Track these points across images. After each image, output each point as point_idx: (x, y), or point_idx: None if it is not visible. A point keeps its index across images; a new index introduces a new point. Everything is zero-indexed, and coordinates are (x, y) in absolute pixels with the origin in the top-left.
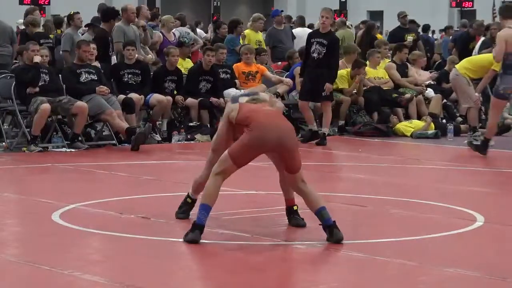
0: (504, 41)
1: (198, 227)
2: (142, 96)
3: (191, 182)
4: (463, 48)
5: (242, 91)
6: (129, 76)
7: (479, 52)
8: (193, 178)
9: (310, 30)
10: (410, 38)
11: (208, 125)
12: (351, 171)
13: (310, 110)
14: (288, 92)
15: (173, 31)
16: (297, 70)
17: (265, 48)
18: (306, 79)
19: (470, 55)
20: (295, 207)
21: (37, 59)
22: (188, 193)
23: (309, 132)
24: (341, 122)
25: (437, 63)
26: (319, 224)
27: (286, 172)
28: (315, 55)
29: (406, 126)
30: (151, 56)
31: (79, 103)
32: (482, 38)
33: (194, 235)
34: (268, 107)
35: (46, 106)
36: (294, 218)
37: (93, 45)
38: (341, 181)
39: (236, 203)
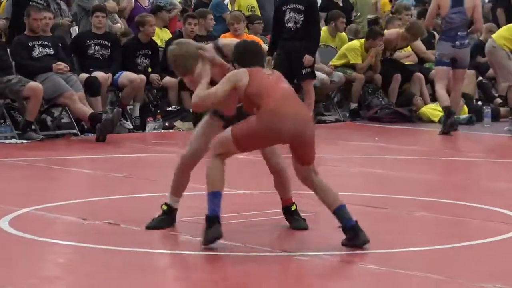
0: None
1: (214, 220)
2: (110, 75)
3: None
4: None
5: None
6: (96, 48)
7: None
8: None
9: None
10: None
11: (190, 110)
12: (366, 165)
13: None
14: None
15: None
16: None
17: (259, 14)
18: (281, 55)
19: None
20: (293, 207)
21: None
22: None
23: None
24: (354, 105)
25: None
26: (339, 227)
27: (297, 163)
28: (290, 25)
29: (433, 110)
30: (119, 25)
31: (32, 83)
32: None
33: (214, 231)
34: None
35: None
36: (295, 220)
37: (47, 14)
38: (353, 178)
39: (225, 205)
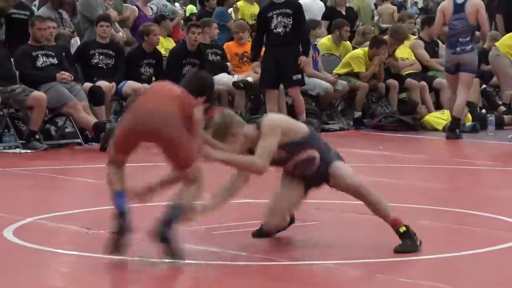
0: None
1: (122, 214)
2: (114, 84)
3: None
4: (509, 13)
5: (235, 76)
6: (100, 57)
7: None
8: None
9: (321, 2)
10: None
11: None
12: (370, 173)
13: (277, 100)
14: None
15: (149, 4)
16: None
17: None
18: (269, 61)
19: None
20: None
21: None
22: None
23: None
24: (358, 114)
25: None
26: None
27: (173, 167)
28: (279, 30)
29: (437, 118)
30: (121, 35)
31: (36, 93)
32: None
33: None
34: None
35: None
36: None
37: (51, 23)
38: None
39: (227, 214)
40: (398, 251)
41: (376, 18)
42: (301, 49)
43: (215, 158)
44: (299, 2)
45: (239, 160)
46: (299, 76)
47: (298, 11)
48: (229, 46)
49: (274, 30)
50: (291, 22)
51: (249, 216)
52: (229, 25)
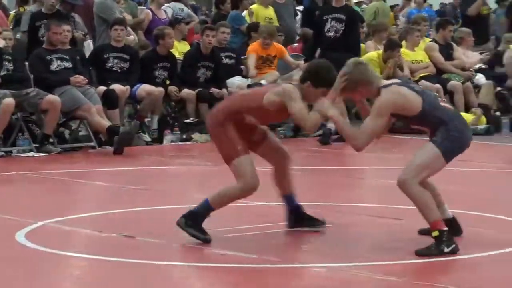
0: None
1: None
2: (128, 87)
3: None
4: None
5: (249, 80)
6: (115, 61)
7: None
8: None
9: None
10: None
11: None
12: (383, 177)
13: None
14: None
15: (164, 7)
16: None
17: (277, 25)
18: None
19: None
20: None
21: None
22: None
23: (328, 130)
24: None
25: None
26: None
27: None
28: (330, 34)
29: None
30: (132, 38)
31: (50, 96)
32: None
33: None
34: None
35: (9, 100)
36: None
37: (66, 26)
38: (370, 189)
39: (241, 217)
40: (418, 253)
41: (403, 19)
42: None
43: (330, 113)
44: (355, 10)
45: (346, 128)
46: None
47: (352, 19)
48: (254, 48)
49: (326, 34)
50: (343, 28)
51: (264, 220)
52: (243, 28)
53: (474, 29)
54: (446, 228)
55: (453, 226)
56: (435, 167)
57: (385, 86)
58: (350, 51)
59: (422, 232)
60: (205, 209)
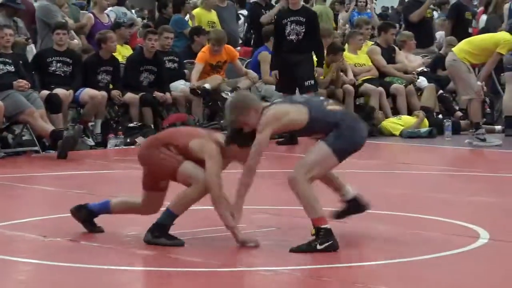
0: None
1: None
2: (71, 92)
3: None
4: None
5: (188, 84)
6: (58, 65)
7: (484, 31)
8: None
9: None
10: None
11: (152, 126)
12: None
13: None
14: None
15: (106, 11)
16: (263, 55)
17: (220, 29)
18: (283, 67)
19: (467, 29)
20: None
21: None
22: None
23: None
24: None
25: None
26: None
27: None
28: (292, 37)
29: (394, 123)
30: (76, 42)
31: None
32: (483, 16)
33: None
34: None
35: None
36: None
37: (8, 30)
38: (319, 192)
39: (186, 221)
40: (291, 250)
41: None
42: (315, 59)
43: (240, 204)
44: (313, 11)
45: (244, 181)
46: (312, 82)
47: (312, 20)
48: (203, 56)
49: (288, 37)
50: (303, 30)
51: (208, 223)
52: (186, 32)
53: (418, 31)
54: (325, 226)
55: (357, 204)
56: (327, 166)
57: (267, 107)
58: (315, 50)
59: (336, 216)
60: (169, 218)
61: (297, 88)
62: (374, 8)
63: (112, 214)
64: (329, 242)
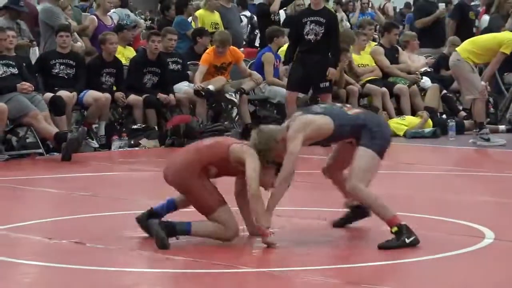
0: None
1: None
2: (75, 94)
3: None
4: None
5: (195, 85)
6: (61, 67)
7: (487, 31)
8: None
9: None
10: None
11: (156, 128)
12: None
13: (295, 104)
14: None
15: (110, 13)
16: (267, 56)
17: (224, 30)
18: (298, 66)
19: (471, 29)
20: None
21: None
22: None
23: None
24: None
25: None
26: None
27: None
28: (310, 37)
29: (398, 124)
30: (80, 44)
31: None
32: (485, 16)
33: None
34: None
35: None
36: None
37: (11, 32)
38: (316, 193)
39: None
40: (380, 246)
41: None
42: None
43: (271, 210)
44: (334, 13)
45: (280, 193)
46: (327, 83)
47: (332, 21)
48: (208, 58)
49: (306, 37)
50: (322, 31)
51: None
52: (189, 33)
53: (429, 32)
54: (404, 223)
55: (360, 211)
56: (374, 167)
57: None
58: (331, 51)
59: (336, 224)
60: (183, 230)
61: (310, 89)
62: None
63: (179, 209)
64: (413, 237)
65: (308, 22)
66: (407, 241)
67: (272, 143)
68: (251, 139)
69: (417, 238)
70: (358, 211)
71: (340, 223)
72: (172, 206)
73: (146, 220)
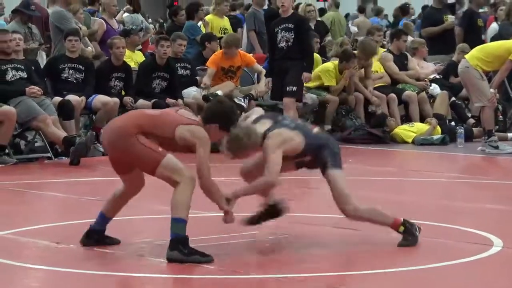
0: None
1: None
2: (83, 98)
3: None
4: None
5: (202, 91)
6: (70, 72)
7: (497, 38)
8: None
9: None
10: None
11: None
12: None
13: (295, 110)
14: None
15: (124, 16)
16: None
17: (234, 34)
18: (274, 76)
19: (479, 37)
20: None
21: None
22: None
23: None
24: (328, 127)
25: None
26: None
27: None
28: (282, 44)
29: (407, 131)
30: (90, 49)
31: (5, 107)
32: (493, 24)
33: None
34: None
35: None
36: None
37: (17, 35)
38: (327, 199)
39: (200, 227)
40: (400, 245)
41: (353, 29)
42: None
43: (239, 195)
44: (303, 17)
45: (256, 186)
46: (294, 88)
47: (301, 25)
48: (215, 60)
49: (279, 45)
50: (293, 37)
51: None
52: (198, 38)
53: (440, 38)
54: (402, 218)
55: (275, 210)
56: (346, 183)
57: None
58: (302, 58)
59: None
60: (180, 228)
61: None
62: (386, 15)
63: (113, 217)
64: (415, 226)
65: (279, 31)
66: (417, 233)
67: (250, 147)
68: (231, 134)
69: (416, 225)
70: (273, 208)
71: (254, 220)
72: (104, 217)
73: (85, 239)
